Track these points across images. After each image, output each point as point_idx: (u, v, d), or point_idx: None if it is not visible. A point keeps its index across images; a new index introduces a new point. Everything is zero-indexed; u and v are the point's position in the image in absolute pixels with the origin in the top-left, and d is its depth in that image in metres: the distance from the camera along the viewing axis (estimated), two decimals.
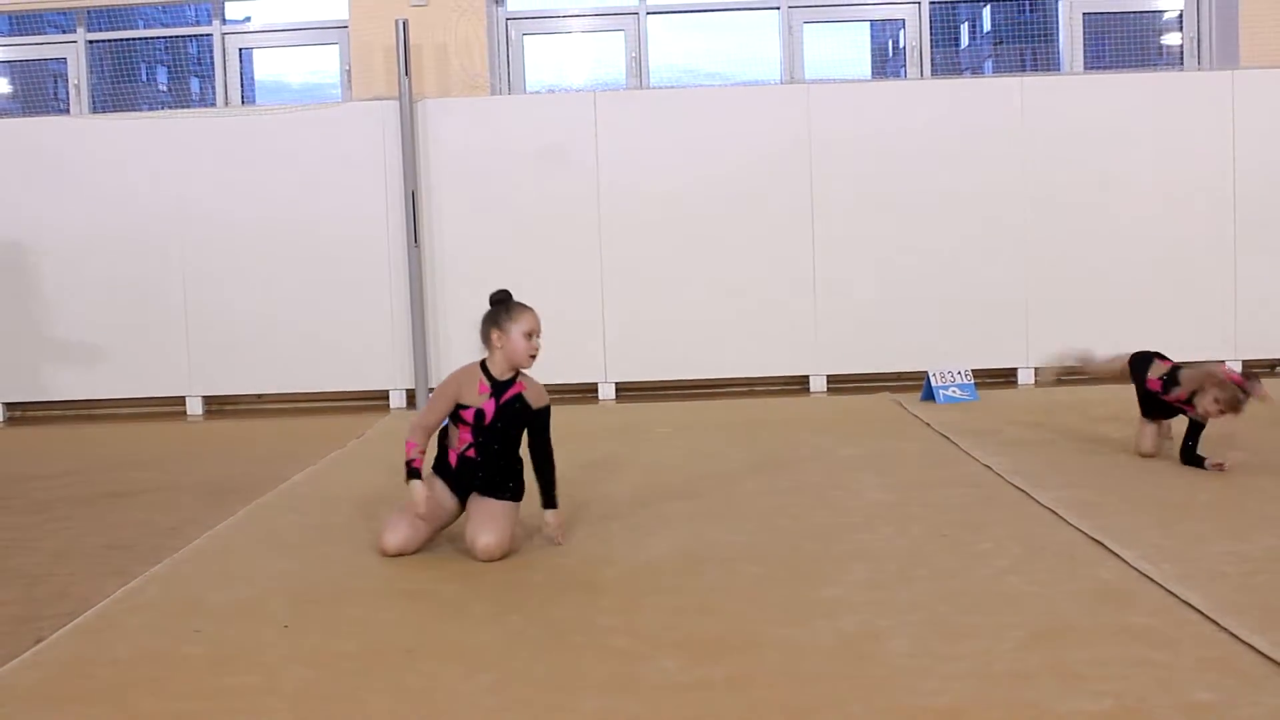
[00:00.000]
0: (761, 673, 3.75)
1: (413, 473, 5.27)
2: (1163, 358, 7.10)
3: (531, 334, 5.21)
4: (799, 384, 11.32)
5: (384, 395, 11.29)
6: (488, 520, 5.21)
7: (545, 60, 12.32)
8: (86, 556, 5.69)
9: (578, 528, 5.77)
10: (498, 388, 5.26)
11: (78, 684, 3.88)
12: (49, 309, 11.16)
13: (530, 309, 5.28)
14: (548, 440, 5.40)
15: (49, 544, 6.00)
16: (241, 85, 12.29)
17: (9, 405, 11.42)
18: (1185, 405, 6.79)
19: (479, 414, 5.26)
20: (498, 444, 5.32)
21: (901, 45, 12.31)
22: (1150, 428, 7.17)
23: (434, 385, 10.58)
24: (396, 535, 5.30)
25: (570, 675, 3.79)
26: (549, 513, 5.41)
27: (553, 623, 4.31)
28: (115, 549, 5.80)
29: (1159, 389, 6.93)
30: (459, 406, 5.29)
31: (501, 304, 5.28)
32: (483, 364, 5.32)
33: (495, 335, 5.21)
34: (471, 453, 5.34)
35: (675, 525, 5.83)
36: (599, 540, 5.57)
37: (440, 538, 5.52)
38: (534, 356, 5.25)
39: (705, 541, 5.49)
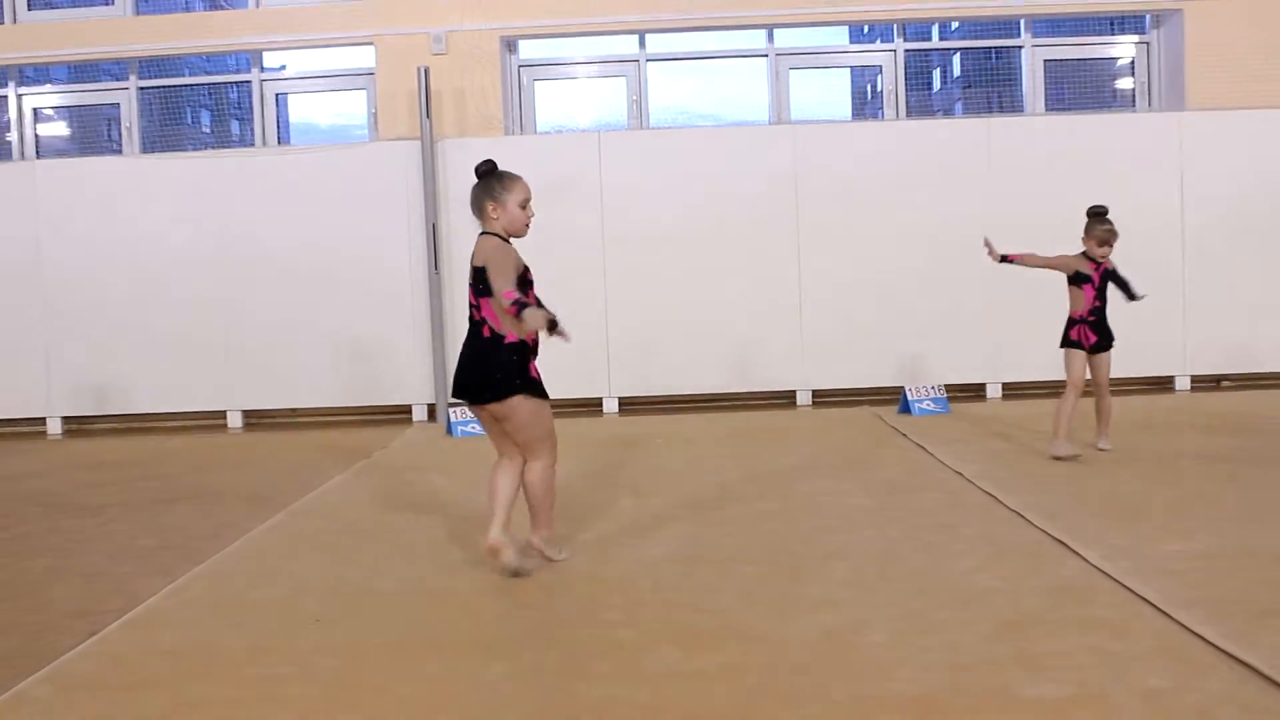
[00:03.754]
0: (752, 663, 3.75)
1: (536, 305, 4.63)
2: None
3: (526, 202, 4.87)
4: (786, 398, 11.31)
5: (407, 410, 11.29)
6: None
7: (554, 103, 12.34)
8: (137, 556, 5.70)
9: (583, 531, 5.77)
10: None
11: (129, 673, 3.88)
12: (103, 332, 11.16)
13: (520, 177, 4.90)
14: None
15: (103, 545, 6.01)
16: (277, 127, 12.31)
17: (68, 419, 11.43)
18: (1094, 267, 7.37)
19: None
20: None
21: (879, 89, 12.33)
22: (1079, 356, 7.43)
23: (453, 401, 10.60)
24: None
25: (578, 665, 3.79)
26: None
27: (561, 618, 4.32)
28: (163, 550, 5.81)
29: (1096, 271, 7.38)
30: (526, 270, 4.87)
31: (492, 174, 4.85)
32: (489, 234, 4.85)
33: (491, 206, 4.80)
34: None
35: (673, 528, 5.83)
36: (603, 542, 5.57)
37: (451, 545, 5.53)
38: (528, 225, 4.91)
39: (701, 543, 5.49)
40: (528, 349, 4.79)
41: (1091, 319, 7.38)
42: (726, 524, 5.90)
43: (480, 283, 4.74)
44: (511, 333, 4.73)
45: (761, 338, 11.09)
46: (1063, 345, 7.49)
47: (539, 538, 5.04)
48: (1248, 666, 3.49)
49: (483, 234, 4.84)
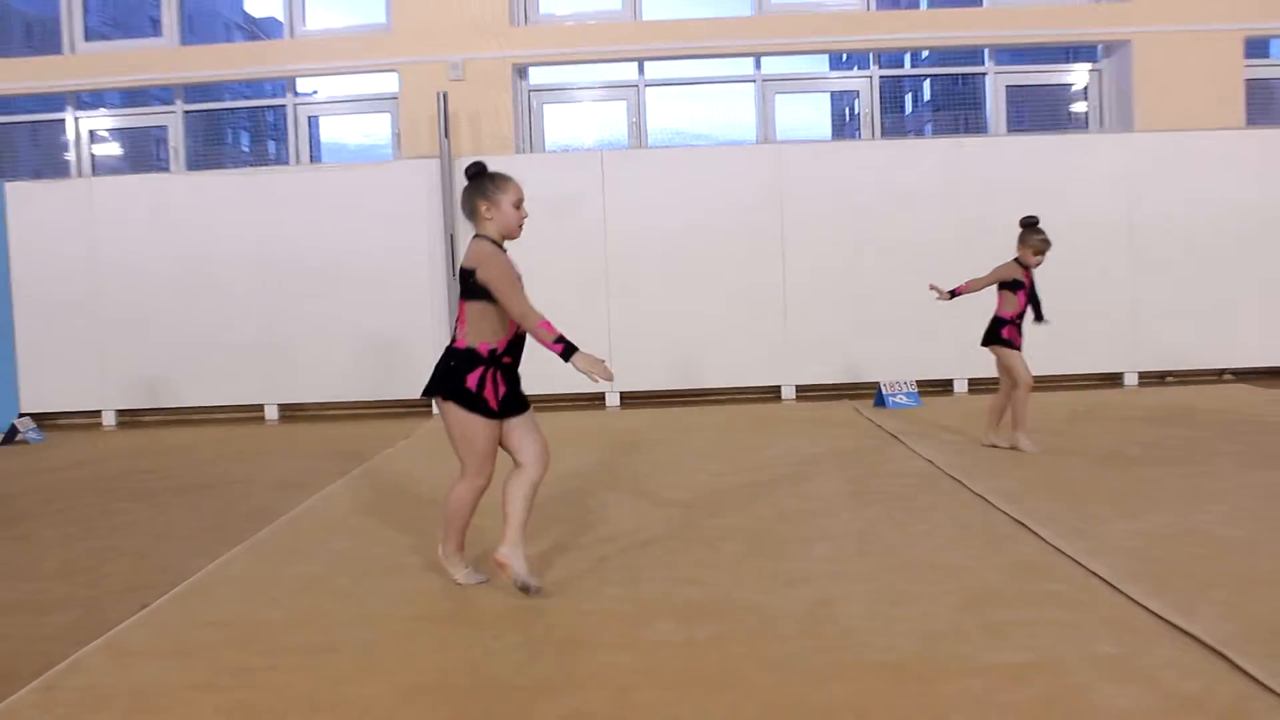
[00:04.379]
0: (740, 633, 3.76)
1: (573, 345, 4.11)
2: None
3: (520, 202, 4.32)
4: (772, 393, 11.31)
5: (427, 404, 11.28)
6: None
7: (561, 124, 12.33)
8: (183, 537, 5.71)
9: (586, 514, 5.78)
10: None
11: (176, 642, 3.89)
12: (153, 333, 11.17)
13: (511, 178, 4.34)
14: None
15: (153, 526, 6.02)
16: (310, 146, 12.31)
17: (121, 412, 11.44)
18: (1025, 274, 7.18)
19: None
20: None
21: (857, 112, 12.32)
22: (1020, 356, 7.23)
23: None
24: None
25: (583, 635, 3.80)
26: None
27: (567, 593, 4.32)
28: (207, 531, 5.81)
29: (1027, 277, 7.18)
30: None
31: (483, 175, 4.30)
32: (483, 238, 4.30)
33: (485, 207, 4.25)
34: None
35: (669, 510, 5.84)
36: (606, 523, 5.57)
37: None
38: (521, 226, 4.35)
39: (694, 524, 5.49)
40: (479, 360, 4.19)
41: (1019, 321, 7.22)
42: (717, 507, 5.90)
43: (465, 285, 4.19)
44: (483, 343, 4.18)
45: (749, 337, 11.09)
46: (993, 343, 7.27)
47: (441, 550, 4.53)
48: (1189, 635, 3.50)
49: (476, 237, 4.27)
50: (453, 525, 4.42)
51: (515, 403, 4.31)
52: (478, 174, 4.29)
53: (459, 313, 4.24)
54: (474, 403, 4.18)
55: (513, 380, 4.32)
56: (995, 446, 7.31)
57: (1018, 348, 7.22)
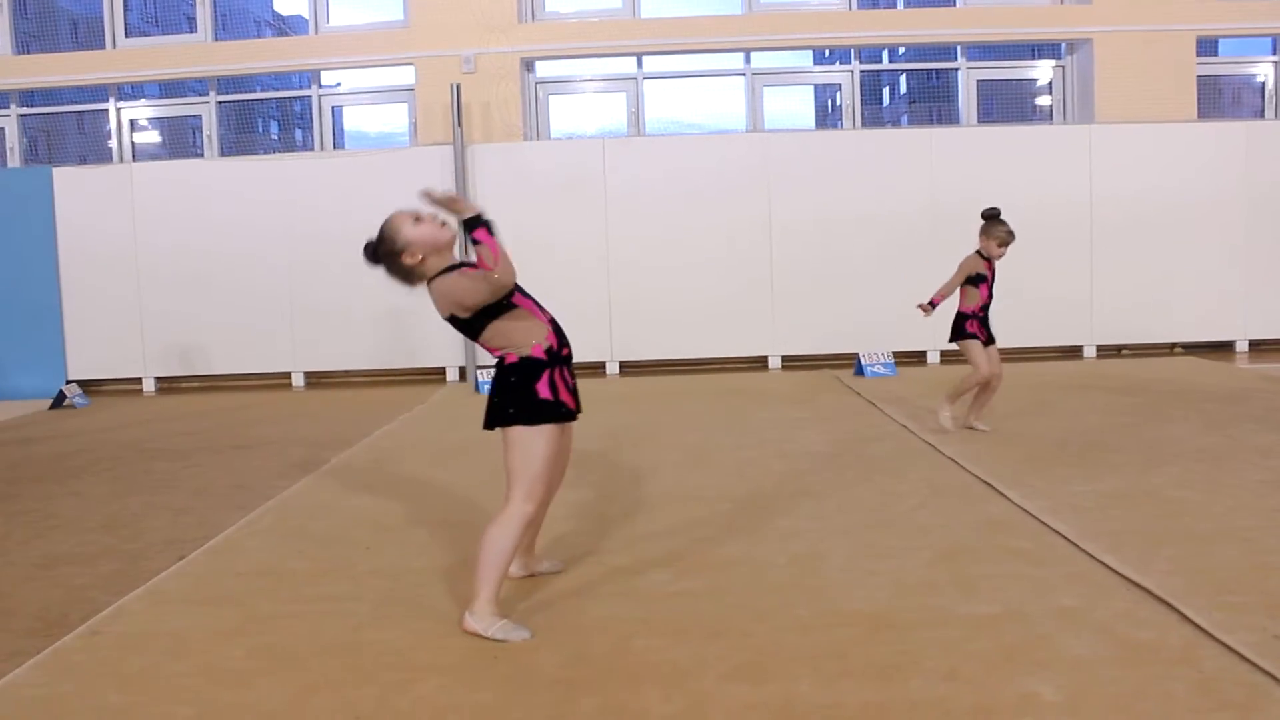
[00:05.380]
0: (731, 584, 3.75)
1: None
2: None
3: (418, 219, 3.54)
4: (760, 363, 11.29)
5: (441, 371, 11.27)
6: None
7: (565, 114, 12.26)
8: (217, 494, 5.69)
9: (587, 475, 5.76)
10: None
11: (210, 591, 3.88)
12: (189, 306, 11.12)
13: (396, 217, 3.57)
14: None
15: (189, 484, 6.00)
16: (333, 134, 12.24)
17: (160, 379, 11.41)
18: (988, 266, 6.56)
19: None
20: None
21: (839, 103, 12.25)
22: (978, 346, 6.55)
23: (480, 364, 10.59)
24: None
25: (582, 585, 3.79)
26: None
27: (569, 547, 4.31)
28: (239, 489, 5.80)
29: (989, 268, 6.56)
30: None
31: (380, 245, 3.54)
32: (432, 279, 3.50)
33: (408, 257, 3.47)
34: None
35: (665, 471, 5.82)
36: (605, 482, 5.56)
37: (478, 486, 5.52)
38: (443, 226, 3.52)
39: (688, 484, 5.48)
40: (540, 364, 3.38)
41: (982, 314, 6.59)
42: (710, 468, 5.89)
43: (461, 324, 3.46)
44: (534, 346, 3.38)
45: (738, 311, 11.05)
46: (959, 339, 6.60)
47: (468, 611, 3.35)
48: (1143, 589, 3.49)
49: (430, 283, 3.49)
50: (492, 572, 3.33)
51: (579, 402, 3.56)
52: (376, 256, 3.54)
53: (491, 343, 3.43)
54: (551, 411, 3.37)
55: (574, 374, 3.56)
56: (973, 429, 6.68)
57: (983, 340, 6.58)
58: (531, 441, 3.33)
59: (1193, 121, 11.36)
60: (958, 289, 6.69)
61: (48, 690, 3.03)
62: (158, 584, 3.99)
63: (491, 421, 3.41)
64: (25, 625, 3.64)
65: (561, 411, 3.41)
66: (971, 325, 6.58)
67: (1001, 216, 6.54)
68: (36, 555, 4.56)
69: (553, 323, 3.47)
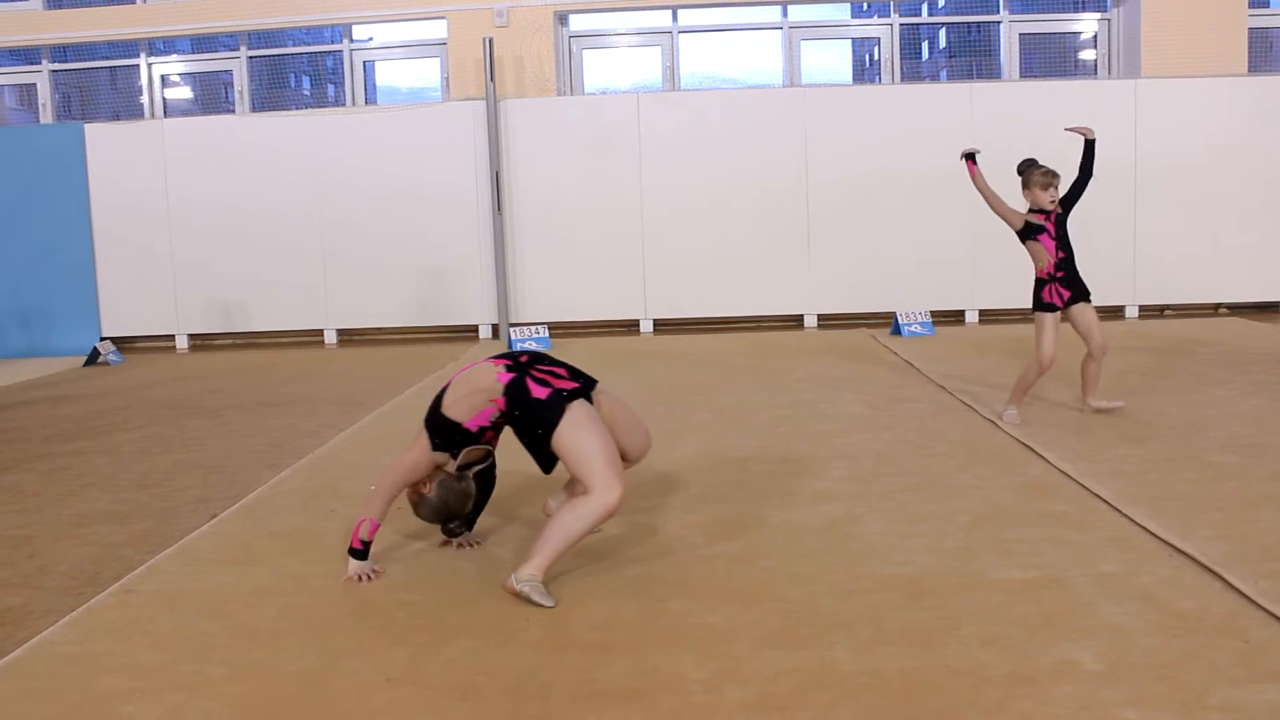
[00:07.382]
0: (767, 546, 3.73)
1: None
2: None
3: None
4: (795, 321, 11.22)
5: (474, 329, 11.27)
6: None
7: (599, 68, 12.17)
8: (249, 452, 5.73)
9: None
10: None
11: (242, 549, 3.90)
12: (222, 264, 11.17)
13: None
14: None
15: (221, 442, 6.04)
16: (365, 89, 12.21)
17: (193, 336, 11.48)
18: (1044, 217, 5.72)
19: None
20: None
21: (877, 58, 12.09)
22: (1051, 322, 5.73)
23: (513, 321, 10.58)
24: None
25: (616, 547, 3.78)
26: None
27: None
28: (271, 447, 5.83)
29: (1045, 218, 5.72)
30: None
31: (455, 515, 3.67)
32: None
33: (424, 486, 3.63)
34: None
35: (699, 431, 5.80)
36: None
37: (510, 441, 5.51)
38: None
39: (722, 444, 5.46)
40: (561, 397, 3.41)
41: (1060, 274, 5.71)
42: (744, 428, 5.86)
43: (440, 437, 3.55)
44: (543, 390, 3.44)
45: (774, 268, 10.97)
46: (1036, 309, 5.78)
47: (515, 575, 3.30)
48: (1186, 555, 3.44)
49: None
50: (555, 545, 3.29)
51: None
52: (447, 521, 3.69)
53: (488, 432, 3.62)
54: (556, 406, 3.40)
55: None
56: (1101, 410, 5.87)
57: (1059, 307, 5.73)
58: (570, 438, 3.35)
59: (1243, 75, 11.11)
60: (994, 202, 5.83)
61: (81, 648, 3.05)
62: (190, 543, 4.01)
63: (540, 454, 3.51)
64: (59, 583, 3.68)
65: (564, 397, 3.42)
66: (1049, 294, 5.73)
67: (1036, 161, 5.87)
68: (70, 513, 4.60)
69: (552, 365, 3.58)
